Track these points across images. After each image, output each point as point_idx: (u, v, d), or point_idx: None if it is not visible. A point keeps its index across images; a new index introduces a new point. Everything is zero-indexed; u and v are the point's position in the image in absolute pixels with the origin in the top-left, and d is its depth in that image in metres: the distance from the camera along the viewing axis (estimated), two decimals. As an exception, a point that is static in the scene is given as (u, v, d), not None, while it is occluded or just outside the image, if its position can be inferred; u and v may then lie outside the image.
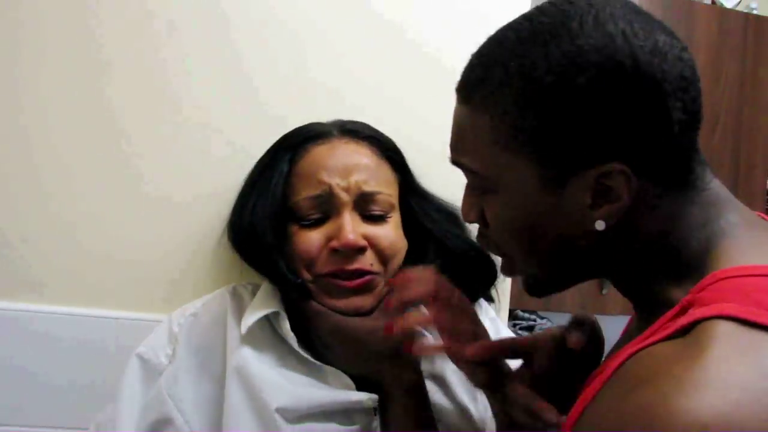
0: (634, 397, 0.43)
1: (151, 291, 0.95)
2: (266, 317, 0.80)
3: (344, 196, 0.78)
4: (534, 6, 0.55)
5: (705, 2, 1.96)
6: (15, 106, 0.92)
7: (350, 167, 0.79)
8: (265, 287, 0.84)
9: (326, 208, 0.78)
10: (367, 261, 0.78)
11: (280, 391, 0.75)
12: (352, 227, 0.76)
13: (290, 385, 0.77)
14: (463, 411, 0.80)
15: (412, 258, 0.83)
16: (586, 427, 0.46)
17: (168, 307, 0.90)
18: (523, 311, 1.69)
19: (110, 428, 0.78)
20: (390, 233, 0.79)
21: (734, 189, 1.91)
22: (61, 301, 0.93)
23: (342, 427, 0.76)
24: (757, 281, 0.47)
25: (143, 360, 0.82)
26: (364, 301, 0.78)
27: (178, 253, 0.95)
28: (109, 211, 0.94)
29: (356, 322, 0.77)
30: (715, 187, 0.55)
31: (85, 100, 0.94)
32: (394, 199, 0.82)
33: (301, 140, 0.83)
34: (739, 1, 2.02)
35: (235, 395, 0.75)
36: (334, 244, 0.76)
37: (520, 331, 1.55)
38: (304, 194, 0.79)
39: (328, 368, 0.79)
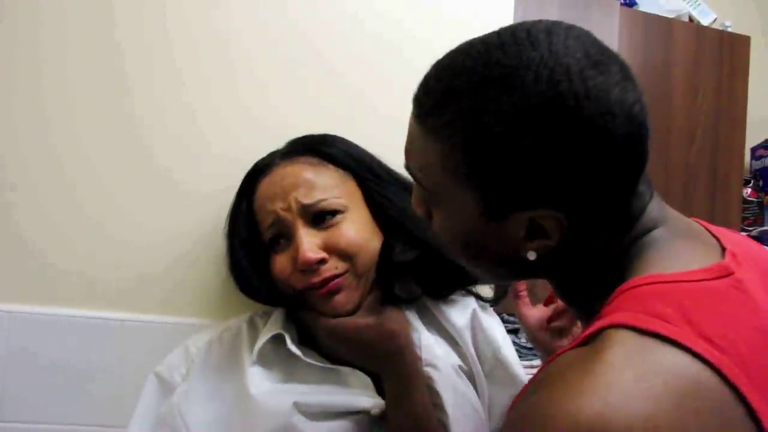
0: (530, 399, 0.47)
1: (171, 294, 0.99)
2: (277, 340, 0.85)
3: (289, 216, 0.82)
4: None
5: (683, 20, 2.04)
6: (41, 114, 0.96)
7: (287, 187, 0.83)
8: (276, 314, 0.88)
9: (284, 232, 0.83)
10: (331, 267, 0.81)
11: (294, 393, 0.81)
12: (307, 244, 0.80)
13: (306, 388, 0.82)
14: (463, 396, 0.83)
15: (388, 247, 0.85)
16: (503, 425, 0.51)
17: (190, 311, 0.96)
18: (509, 314, 1.74)
19: None
20: (345, 233, 0.81)
21: (711, 200, 2.00)
22: (77, 304, 0.96)
23: (358, 427, 0.80)
24: (655, 288, 0.51)
25: (160, 378, 0.87)
26: (343, 300, 0.81)
27: (203, 258, 0.98)
28: (135, 215, 0.98)
29: (346, 321, 0.81)
30: (650, 209, 0.57)
31: (108, 107, 0.97)
32: (346, 199, 0.84)
33: (250, 179, 0.89)
34: (715, 19, 2.10)
35: (248, 411, 0.79)
36: (296, 265, 0.81)
37: (506, 334, 1.59)
38: (263, 227, 0.84)
39: (345, 369, 0.82)
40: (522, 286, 0.88)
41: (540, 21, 0.54)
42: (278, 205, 0.82)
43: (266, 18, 1.03)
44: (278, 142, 0.91)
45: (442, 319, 0.89)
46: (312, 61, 1.04)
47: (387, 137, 0.90)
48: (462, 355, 0.87)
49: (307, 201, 0.82)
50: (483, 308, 0.93)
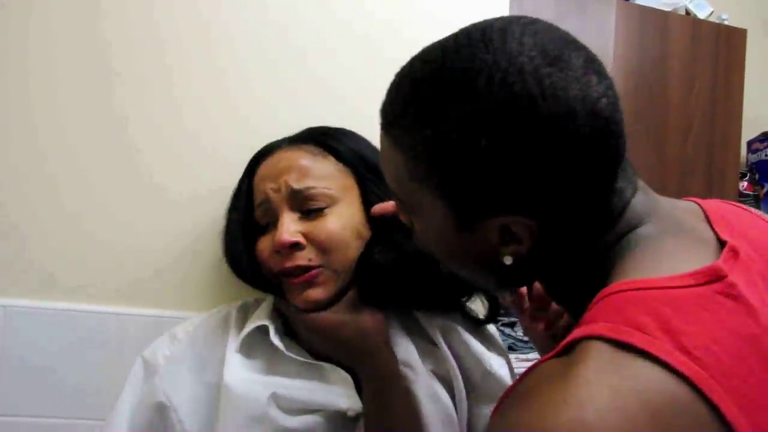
0: (506, 414, 0.47)
1: (160, 288, 0.99)
2: (262, 331, 0.85)
3: (276, 198, 0.82)
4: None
5: (679, 13, 2.04)
6: (28, 111, 0.95)
7: (281, 170, 0.83)
8: (265, 303, 0.88)
9: (271, 213, 0.83)
10: (305, 256, 0.80)
11: (273, 385, 0.80)
12: (286, 227, 0.79)
13: (285, 382, 0.81)
14: (438, 400, 0.83)
15: (370, 247, 0.83)
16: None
17: (177, 304, 0.96)
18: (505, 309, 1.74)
19: (108, 418, 0.83)
20: (329, 226, 0.80)
21: (708, 193, 2.01)
22: (70, 298, 0.96)
23: (333, 425, 0.80)
24: (636, 295, 0.49)
25: (145, 361, 0.87)
26: (316, 294, 0.80)
27: (189, 251, 0.98)
28: (120, 210, 0.97)
29: (324, 317, 0.80)
30: (634, 204, 0.55)
31: (94, 105, 0.97)
32: (338, 192, 0.83)
33: (255, 159, 0.89)
34: (711, 12, 2.10)
35: (225, 397, 0.80)
36: (273, 245, 0.81)
37: (502, 327, 1.60)
38: (255, 205, 0.85)
39: (327, 366, 0.81)
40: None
41: (499, 18, 0.52)
42: (269, 186, 0.83)
43: (254, 19, 1.02)
44: (266, 142, 0.91)
45: (422, 320, 0.88)
46: (300, 63, 1.03)
47: (371, 139, 0.90)
48: (440, 358, 0.86)
49: (296, 186, 0.81)
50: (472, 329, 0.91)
